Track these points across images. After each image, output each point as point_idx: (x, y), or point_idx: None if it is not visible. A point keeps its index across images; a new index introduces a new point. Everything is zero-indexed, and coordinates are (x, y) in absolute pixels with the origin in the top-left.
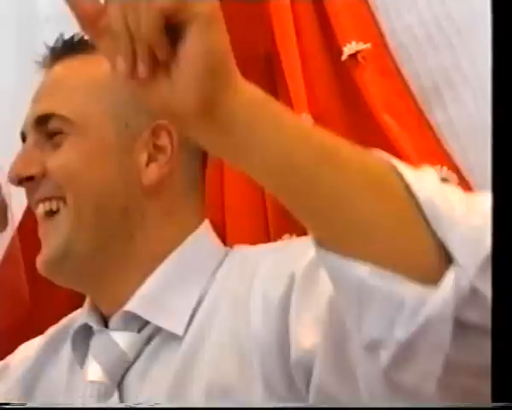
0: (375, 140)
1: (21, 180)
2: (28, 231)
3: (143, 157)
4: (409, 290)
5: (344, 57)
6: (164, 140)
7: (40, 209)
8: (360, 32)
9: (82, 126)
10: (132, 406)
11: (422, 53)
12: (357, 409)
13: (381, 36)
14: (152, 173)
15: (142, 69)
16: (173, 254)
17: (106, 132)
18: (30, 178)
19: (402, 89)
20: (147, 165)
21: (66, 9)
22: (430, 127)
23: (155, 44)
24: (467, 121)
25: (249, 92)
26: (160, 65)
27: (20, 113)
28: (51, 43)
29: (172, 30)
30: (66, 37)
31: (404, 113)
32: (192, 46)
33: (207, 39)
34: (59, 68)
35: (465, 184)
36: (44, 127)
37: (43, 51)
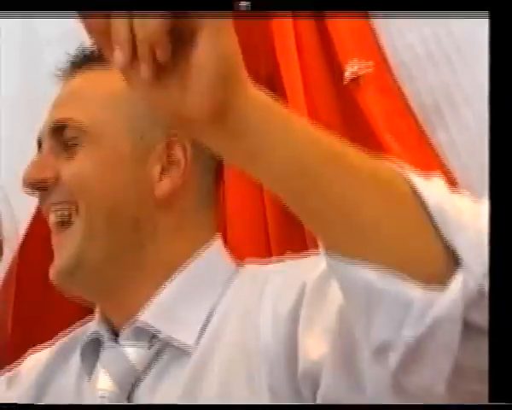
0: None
1: (34, 184)
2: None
3: (157, 169)
4: (417, 292)
5: (346, 80)
6: (178, 154)
7: (52, 217)
8: (362, 50)
9: (97, 136)
10: (132, 405)
11: (423, 70)
12: (358, 409)
13: (383, 54)
14: (165, 186)
15: (144, 69)
16: (186, 267)
17: (121, 143)
18: (43, 183)
19: (403, 108)
20: (160, 177)
21: (68, 32)
22: (431, 147)
23: (158, 44)
24: (468, 140)
25: (260, 96)
26: (170, 70)
27: (22, 132)
28: (53, 64)
29: (179, 33)
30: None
31: (406, 132)
32: (203, 52)
33: (219, 44)
34: (77, 79)
35: None
36: (60, 135)
37: (45, 72)
